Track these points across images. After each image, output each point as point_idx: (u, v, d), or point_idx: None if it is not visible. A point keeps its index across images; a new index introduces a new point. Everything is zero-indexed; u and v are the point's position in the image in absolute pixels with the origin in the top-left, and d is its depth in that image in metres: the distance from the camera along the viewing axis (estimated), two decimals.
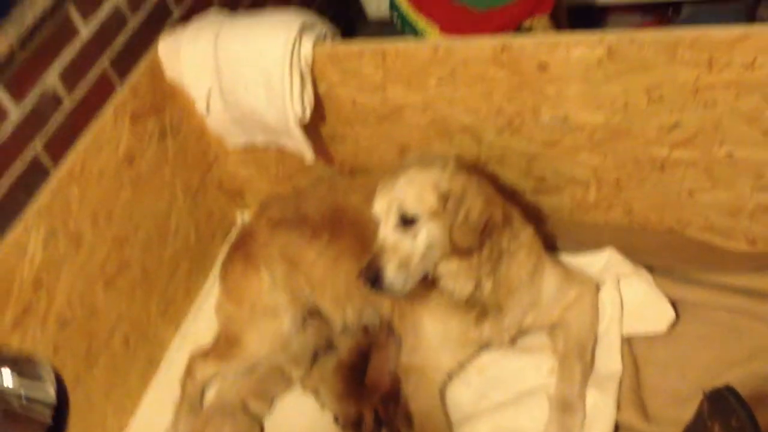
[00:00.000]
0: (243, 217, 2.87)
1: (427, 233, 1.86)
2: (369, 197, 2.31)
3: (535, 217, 2.31)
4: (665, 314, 2.08)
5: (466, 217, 1.86)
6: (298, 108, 2.30)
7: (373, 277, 1.84)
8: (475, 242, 1.89)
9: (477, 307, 2.05)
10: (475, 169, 2.05)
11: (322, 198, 2.44)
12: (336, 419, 2.24)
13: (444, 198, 1.85)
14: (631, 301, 2.13)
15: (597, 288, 2.17)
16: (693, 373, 1.98)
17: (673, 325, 2.08)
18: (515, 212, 2.07)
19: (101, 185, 2.32)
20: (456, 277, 1.97)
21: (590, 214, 2.34)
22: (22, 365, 0.92)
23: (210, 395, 2.45)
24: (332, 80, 2.35)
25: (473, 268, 1.96)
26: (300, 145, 2.39)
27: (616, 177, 2.19)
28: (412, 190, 1.86)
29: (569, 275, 2.17)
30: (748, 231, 2.15)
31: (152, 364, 2.55)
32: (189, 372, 2.43)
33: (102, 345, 2.33)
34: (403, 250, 1.85)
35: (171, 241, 2.60)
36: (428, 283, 1.96)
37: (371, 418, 2.15)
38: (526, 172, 2.31)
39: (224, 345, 2.41)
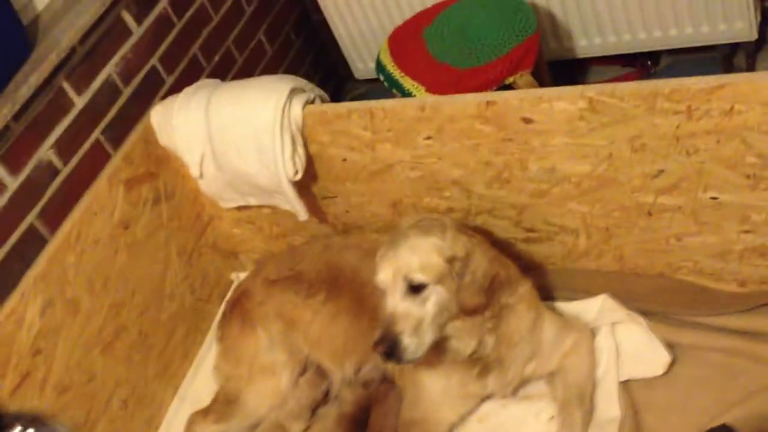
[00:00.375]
0: (238, 277, 2.88)
1: (435, 298, 1.87)
2: (364, 256, 2.35)
3: (526, 265, 2.34)
4: (661, 357, 2.09)
5: (473, 277, 1.89)
6: (289, 169, 2.34)
7: (389, 348, 1.84)
8: (482, 301, 1.91)
9: (479, 363, 2.06)
10: (471, 228, 2.09)
11: (317, 256, 2.46)
12: None
13: (450, 261, 1.88)
14: (627, 346, 2.15)
15: (593, 334, 2.19)
16: (692, 416, 1.98)
17: (670, 368, 2.09)
18: (513, 266, 2.10)
19: (97, 252, 2.34)
20: (460, 336, 1.98)
21: (581, 261, 2.37)
22: (41, 425, 0.94)
23: None
24: (322, 140, 2.41)
25: (477, 326, 1.97)
26: (293, 204, 2.43)
27: (605, 224, 2.23)
28: (416, 258, 1.87)
29: (565, 323, 2.19)
30: (737, 273, 2.18)
31: (151, 426, 2.54)
32: None
33: (101, 410, 2.33)
34: (415, 317, 1.86)
35: (167, 304, 2.62)
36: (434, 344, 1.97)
37: None
38: (516, 223, 2.35)
39: (223, 404, 2.41)
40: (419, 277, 1.86)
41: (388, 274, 1.89)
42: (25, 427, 0.90)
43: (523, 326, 2.07)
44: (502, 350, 2.06)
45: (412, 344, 1.85)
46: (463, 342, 1.99)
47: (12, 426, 0.88)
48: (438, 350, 2.01)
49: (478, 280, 1.90)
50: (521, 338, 2.07)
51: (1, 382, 2.02)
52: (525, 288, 2.11)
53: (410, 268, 1.86)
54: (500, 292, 1.99)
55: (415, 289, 1.86)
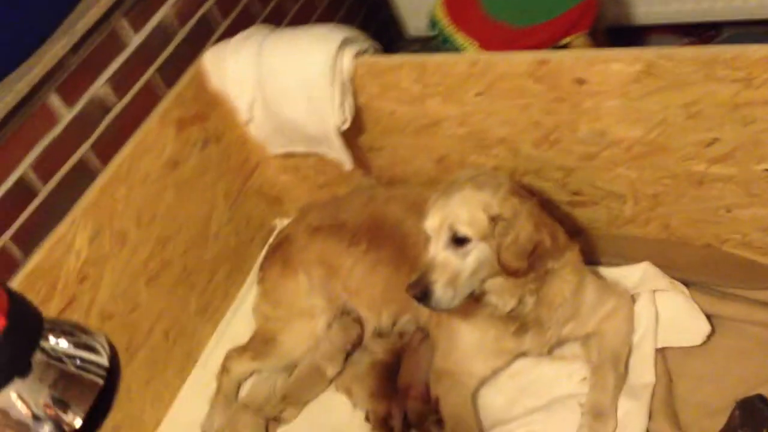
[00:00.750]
0: (282, 223, 2.92)
1: (477, 254, 1.89)
2: (408, 208, 2.36)
3: (570, 229, 2.33)
4: (700, 327, 2.08)
5: (515, 240, 1.89)
6: (338, 117, 2.35)
7: (421, 293, 1.88)
8: (523, 265, 1.91)
9: (517, 322, 2.07)
10: (527, 191, 2.08)
11: (361, 207, 2.48)
12: (367, 418, 2.27)
13: (495, 220, 1.88)
14: (667, 314, 2.14)
15: (633, 300, 2.18)
16: (727, 387, 1.97)
17: (708, 339, 2.08)
18: (560, 231, 2.09)
19: (146, 187, 2.39)
20: (500, 294, 2.00)
21: (627, 227, 2.35)
22: (78, 333, 0.97)
23: (245, 391, 2.50)
24: (372, 92, 2.41)
25: (518, 286, 1.99)
26: (339, 153, 2.44)
27: (653, 192, 2.20)
28: (465, 211, 1.88)
29: (606, 287, 2.19)
30: None
31: (190, 359, 2.61)
32: (225, 368, 2.48)
33: (142, 339, 2.40)
34: (453, 269, 1.88)
35: (212, 244, 2.67)
36: (470, 297, 1.98)
37: (400, 419, 2.18)
38: (562, 185, 2.33)
39: (260, 343, 2.46)
40: (464, 230, 1.87)
41: (435, 221, 1.92)
42: (57, 337, 0.93)
43: (566, 290, 2.07)
44: (542, 311, 2.06)
45: (445, 295, 1.88)
46: (502, 299, 2.01)
47: (46, 336, 0.91)
48: (476, 304, 2.03)
49: (520, 244, 1.90)
50: (563, 301, 2.08)
51: (48, 305, 2.10)
52: (572, 253, 2.10)
53: (457, 220, 1.88)
54: (544, 260, 1.99)
55: (459, 242, 1.88)
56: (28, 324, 0.89)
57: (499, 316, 2.05)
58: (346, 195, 2.67)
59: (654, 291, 2.19)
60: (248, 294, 2.76)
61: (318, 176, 2.80)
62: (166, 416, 2.52)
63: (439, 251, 1.90)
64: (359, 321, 2.47)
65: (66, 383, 0.91)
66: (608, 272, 2.30)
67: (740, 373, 2.01)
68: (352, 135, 2.48)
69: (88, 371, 0.93)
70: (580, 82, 2.05)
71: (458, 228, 1.87)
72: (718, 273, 2.19)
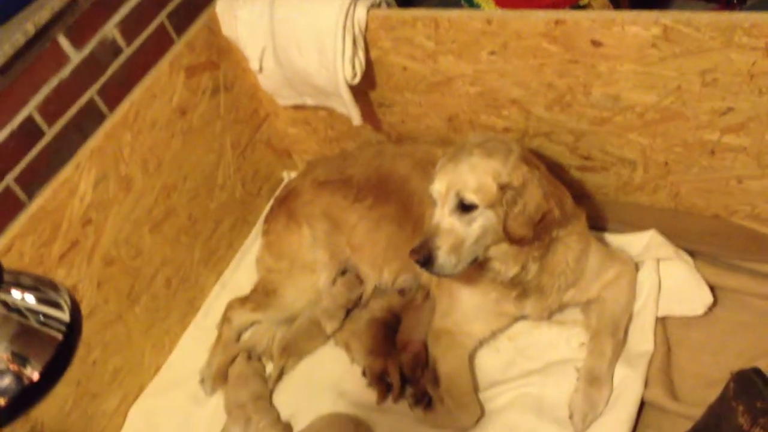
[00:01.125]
0: (289, 176, 2.91)
1: (482, 221, 1.87)
2: (415, 165, 2.34)
3: (577, 194, 2.31)
4: (703, 298, 2.07)
5: (523, 209, 1.87)
6: (348, 70, 2.32)
7: (425, 258, 1.87)
8: (529, 234, 1.89)
9: (519, 287, 2.07)
10: (537, 158, 2.05)
11: (368, 162, 2.46)
12: (364, 373, 2.29)
13: (503, 188, 1.86)
14: (669, 283, 2.13)
15: (636, 268, 2.17)
16: (725, 358, 1.97)
17: (710, 310, 2.07)
18: (568, 197, 2.07)
19: (153, 134, 2.38)
20: (504, 260, 1.98)
21: (635, 195, 2.33)
22: (41, 288, 0.97)
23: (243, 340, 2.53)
24: (384, 47, 2.37)
25: (522, 253, 1.97)
26: (349, 107, 2.41)
27: (664, 159, 2.17)
28: (473, 178, 1.86)
29: (610, 254, 2.18)
30: None
31: (192, 307, 2.63)
32: (226, 318, 2.50)
33: (145, 285, 2.41)
34: (457, 235, 1.87)
35: (217, 194, 2.67)
36: (474, 263, 1.97)
37: (397, 375, 2.19)
38: (572, 149, 2.30)
39: (262, 294, 2.47)
40: (471, 198, 1.85)
41: (442, 185, 1.89)
42: (19, 291, 0.93)
43: (570, 257, 2.06)
44: (544, 278, 2.06)
45: (448, 261, 1.86)
46: (505, 265, 1.99)
47: (7, 289, 0.91)
48: (479, 268, 2.02)
49: (528, 213, 1.88)
50: (566, 268, 2.07)
51: (51, 248, 2.11)
52: (578, 220, 2.08)
53: (465, 187, 1.85)
54: (550, 229, 1.97)
55: (465, 208, 1.86)
56: None
57: (501, 281, 2.04)
58: (354, 150, 2.65)
59: (658, 259, 2.17)
60: (252, 245, 2.77)
61: (327, 130, 2.78)
62: (166, 362, 2.56)
63: (444, 217, 1.88)
64: (361, 280, 2.47)
65: (25, 337, 0.92)
66: (614, 239, 2.29)
67: (740, 345, 2.00)
68: (362, 90, 2.45)
69: (49, 326, 0.94)
70: (596, 44, 2.01)
71: (465, 195, 1.85)
72: (725, 244, 2.17)
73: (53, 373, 0.92)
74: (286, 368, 2.41)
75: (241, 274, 2.72)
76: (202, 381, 2.46)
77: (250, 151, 2.79)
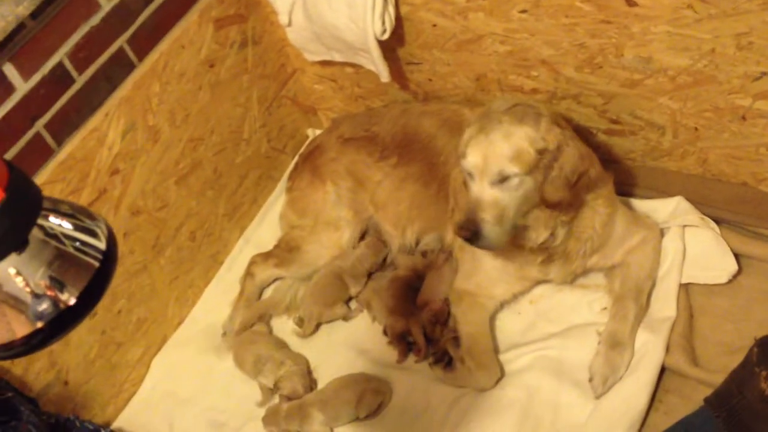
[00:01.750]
0: (314, 133, 2.91)
1: (523, 188, 1.85)
2: (442, 125, 2.33)
3: (605, 158, 2.29)
4: (727, 266, 2.06)
5: (560, 172, 1.85)
6: (378, 26, 2.30)
7: (472, 234, 1.84)
8: (567, 196, 1.88)
9: (546, 252, 2.06)
10: (563, 119, 2.04)
11: (394, 120, 2.45)
12: (385, 332, 2.30)
13: (541, 153, 1.84)
14: (695, 250, 2.12)
15: (661, 234, 2.16)
16: (748, 327, 1.96)
17: (734, 278, 2.06)
18: (596, 161, 2.05)
19: (181, 85, 2.39)
20: (536, 227, 1.97)
21: (663, 160, 2.30)
22: (79, 216, 0.97)
23: (265, 296, 2.55)
24: (415, 2, 2.34)
25: (552, 218, 1.95)
26: (377, 63, 2.40)
27: (694, 124, 2.14)
28: (508, 146, 1.83)
29: (636, 219, 2.16)
30: None
31: (215, 261, 2.66)
32: (249, 272, 2.52)
33: (170, 237, 2.43)
34: (500, 206, 1.84)
35: (243, 148, 2.67)
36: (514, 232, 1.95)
37: (421, 335, 2.20)
38: (601, 112, 2.27)
39: (285, 250, 2.49)
40: (510, 167, 1.82)
41: (477, 158, 1.85)
42: (57, 217, 0.94)
43: (597, 222, 2.05)
44: (570, 243, 2.05)
45: (494, 232, 1.84)
46: (536, 231, 1.98)
47: (45, 216, 0.92)
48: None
49: (565, 175, 1.86)
50: (593, 233, 2.05)
51: (79, 195, 2.13)
52: (605, 185, 2.07)
53: (502, 156, 1.82)
54: (586, 190, 1.96)
55: (504, 178, 1.83)
56: (28, 199, 0.90)
57: (530, 248, 2.02)
58: (380, 108, 2.64)
59: (684, 226, 2.16)
60: (277, 201, 2.78)
61: (354, 88, 2.77)
62: (189, 315, 2.59)
63: (484, 189, 1.84)
64: (385, 242, 2.47)
65: (63, 263, 0.92)
66: (640, 204, 2.27)
67: (763, 314, 1.99)
68: (391, 47, 2.43)
69: (86, 253, 0.94)
70: (631, 3, 1.98)
71: (504, 165, 1.82)
72: (752, 212, 2.15)
73: (89, 299, 0.93)
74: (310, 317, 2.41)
75: (264, 230, 2.74)
76: (224, 334, 2.49)
77: (276, 106, 2.79)
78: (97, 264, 0.94)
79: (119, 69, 2.23)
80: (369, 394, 2.11)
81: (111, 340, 2.32)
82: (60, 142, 2.12)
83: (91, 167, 2.15)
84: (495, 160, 1.83)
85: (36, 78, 2.02)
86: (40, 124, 2.07)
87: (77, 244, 0.94)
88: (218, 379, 2.40)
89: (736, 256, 2.08)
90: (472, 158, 1.86)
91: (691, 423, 1.69)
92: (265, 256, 2.53)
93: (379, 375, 2.22)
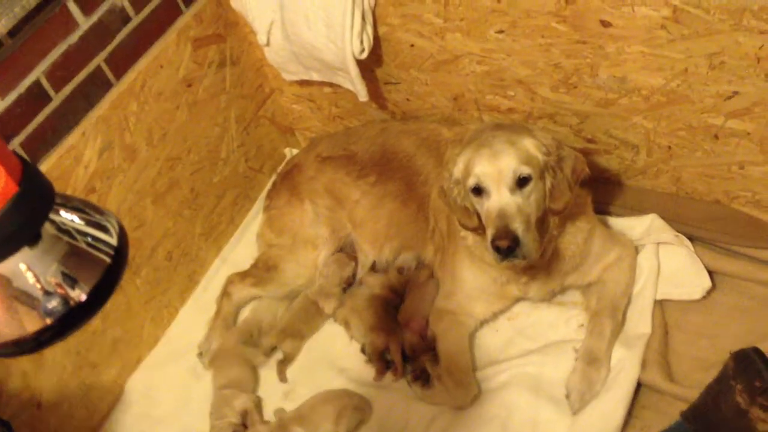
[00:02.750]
0: (291, 154, 2.91)
1: (536, 195, 1.85)
2: (421, 143, 2.35)
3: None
4: (701, 282, 2.09)
5: (563, 174, 1.88)
6: (356, 45, 2.32)
7: (511, 242, 1.79)
8: (571, 199, 1.90)
9: (529, 271, 2.07)
10: None
11: (372, 139, 2.47)
12: (362, 350, 2.30)
13: (546, 155, 1.87)
14: (669, 267, 2.14)
15: (636, 251, 2.18)
16: (722, 342, 1.98)
17: (708, 294, 2.09)
18: None
19: (159, 104, 2.38)
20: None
21: (637, 179, 2.34)
22: (90, 212, 0.96)
23: (243, 317, 2.53)
24: (393, 23, 2.37)
25: (542, 234, 1.95)
26: (355, 83, 2.41)
27: (668, 143, 2.18)
28: (516, 151, 1.84)
29: (612, 237, 2.19)
30: None
31: (192, 281, 2.64)
32: (226, 292, 2.51)
33: (146, 257, 2.42)
34: (524, 211, 1.83)
35: (221, 168, 2.67)
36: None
37: (399, 352, 2.20)
38: (577, 131, 2.31)
39: (262, 270, 2.48)
40: (526, 170, 1.82)
41: (490, 168, 1.83)
42: (69, 213, 0.92)
43: (579, 238, 2.07)
44: (553, 261, 2.07)
45: (528, 239, 1.81)
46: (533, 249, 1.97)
47: (57, 210, 0.90)
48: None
49: (567, 177, 1.89)
50: (576, 250, 2.07)
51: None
52: (585, 200, 2.10)
53: (518, 161, 1.82)
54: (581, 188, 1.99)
55: (521, 183, 1.83)
56: (40, 194, 0.88)
57: (517, 266, 2.02)
58: (358, 126, 2.65)
59: (658, 243, 2.19)
60: (254, 221, 2.78)
61: (331, 108, 2.78)
62: (165, 335, 2.57)
63: (504, 196, 1.83)
64: (354, 258, 2.47)
65: (74, 259, 0.91)
66: (615, 222, 2.30)
67: (737, 330, 2.01)
68: (369, 66, 2.46)
69: (97, 249, 0.93)
70: (605, 24, 2.01)
71: (521, 168, 1.82)
72: (725, 230, 2.18)
73: (100, 296, 0.91)
74: (289, 351, 2.38)
75: (241, 250, 2.73)
76: (200, 355, 2.47)
77: (254, 126, 2.79)
78: (108, 260, 0.92)
79: (96, 88, 2.23)
80: (349, 410, 2.11)
81: (86, 361, 2.29)
82: (36, 160, 2.10)
83: (67, 186, 2.14)
84: (508, 165, 1.82)
85: (12, 96, 2.01)
86: (16, 143, 2.05)
87: (89, 239, 0.93)
88: (194, 400, 2.37)
89: (710, 272, 2.11)
90: (484, 169, 1.84)
91: None
92: (242, 276, 2.52)
93: (358, 392, 2.21)
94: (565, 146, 1.94)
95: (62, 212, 0.92)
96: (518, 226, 1.80)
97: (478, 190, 1.86)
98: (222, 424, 2.17)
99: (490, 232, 1.82)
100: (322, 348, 2.39)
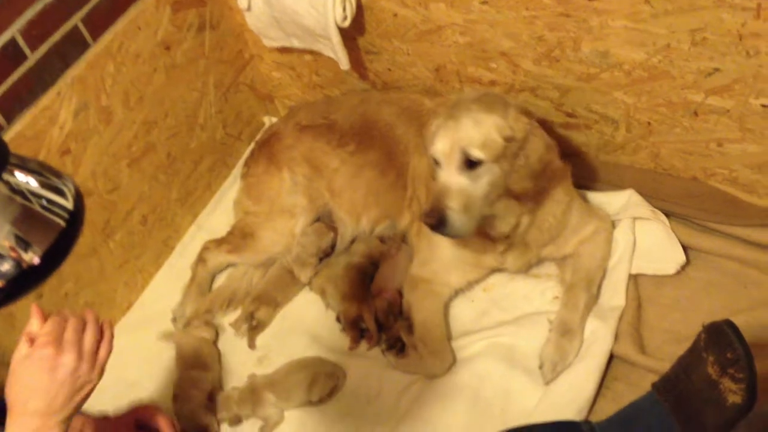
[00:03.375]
0: (270, 122, 2.89)
1: (490, 176, 1.84)
2: (401, 113, 2.33)
3: (560, 151, 2.32)
4: (676, 257, 2.10)
5: (526, 161, 1.86)
6: (339, 12, 2.29)
7: (438, 221, 1.82)
8: (530, 186, 1.89)
9: (507, 242, 2.08)
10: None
11: (353, 108, 2.45)
12: (338, 318, 2.30)
13: (508, 141, 1.84)
14: (645, 242, 2.16)
15: (613, 225, 2.20)
16: (694, 317, 2.00)
17: (682, 269, 2.11)
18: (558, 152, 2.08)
19: (136, 67, 2.34)
20: (504, 216, 1.98)
21: (616, 154, 2.34)
22: (46, 174, 0.94)
23: (218, 284, 2.51)
24: None
25: (519, 206, 1.97)
26: (337, 51, 2.38)
27: (647, 119, 2.18)
28: (477, 133, 1.83)
29: (589, 211, 2.20)
30: None
31: (167, 246, 2.62)
32: (201, 258, 2.50)
33: (120, 220, 2.39)
34: (467, 193, 1.83)
35: (198, 133, 2.64)
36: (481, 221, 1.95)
37: (372, 321, 2.20)
38: (557, 105, 2.30)
39: (239, 237, 2.46)
40: (478, 154, 1.81)
41: (445, 145, 1.84)
42: (24, 174, 0.91)
43: (557, 211, 2.08)
44: (532, 232, 2.07)
45: (460, 221, 1.83)
46: (504, 220, 1.99)
47: (11, 171, 0.88)
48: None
49: (531, 165, 1.87)
50: (553, 222, 2.08)
51: None
52: (564, 173, 2.10)
53: (470, 143, 1.82)
54: (550, 180, 1.98)
55: (471, 165, 1.82)
56: None
57: (493, 237, 2.04)
58: (338, 96, 2.64)
59: (635, 218, 2.20)
60: (231, 188, 2.76)
61: (312, 76, 2.75)
62: (138, 300, 2.55)
63: (451, 176, 1.84)
64: (334, 228, 2.46)
65: (28, 221, 0.89)
66: (593, 196, 2.32)
67: (709, 305, 2.04)
68: (351, 35, 2.43)
69: (52, 212, 0.91)
70: None
71: (472, 151, 1.81)
72: (701, 206, 2.20)
73: (53, 260, 0.90)
74: (263, 318, 2.38)
75: (217, 217, 2.71)
76: (174, 320, 2.45)
77: (233, 92, 2.76)
78: (63, 223, 0.91)
79: (73, 48, 2.18)
80: (322, 377, 2.11)
81: None
82: (10, 119, 2.06)
83: (41, 146, 2.10)
84: (462, 146, 1.82)
85: None
86: None
87: (44, 201, 0.91)
88: (167, 365, 2.36)
89: (685, 248, 2.13)
90: (440, 145, 1.86)
91: (639, 408, 1.71)
92: (218, 243, 2.50)
93: (333, 360, 2.21)
94: (539, 133, 1.90)
95: (17, 173, 0.91)
96: (454, 206, 1.82)
97: (436, 162, 1.88)
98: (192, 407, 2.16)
99: (425, 205, 1.86)
100: (297, 316, 2.39)
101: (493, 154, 1.83)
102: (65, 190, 0.94)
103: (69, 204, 0.93)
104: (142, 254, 2.52)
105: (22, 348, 1.23)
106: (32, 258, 0.88)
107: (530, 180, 1.88)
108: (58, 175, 0.96)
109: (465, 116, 1.86)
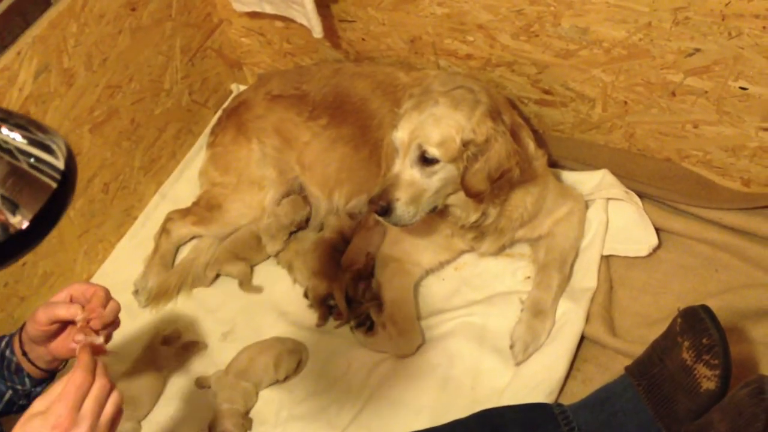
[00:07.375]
0: (238, 89, 2.81)
1: (443, 174, 1.83)
2: (376, 87, 2.27)
3: (534, 128, 2.30)
4: (648, 239, 2.09)
5: (484, 165, 1.82)
6: None
7: (383, 209, 1.84)
8: (486, 189, 1.86)
9: (477, 230, 2.05)
10: (508, 103, 2.05)
11: (326, 79, 2.38)
12: (305, 294, 2.25)
13: (465, 145, 1.81)
14: (617, 223, 2.14)
15: (587, 206, 2.17)
16: (666, 300, 2.00)
17: (655, 252, 2.10)
18: (531, 140, 2.05)
19: (100, 27, 2.25)
20: (464, 208, 1.96)
21: (591, 133, 2.32)
22: (34, 130, 0.86)
23: (182, 255, 2.45)
24: None
25: (476, 203, 1.94)
26: (310, 17, 2.31)
27: (624, 98, 2.16)
28: (437, 131, 1.80)
29: (563, 191, 2.17)
30: (745, 171, 2.14)
31: (129, 216, 2.54)
32: (165, 229, 2.42)
33: (81, 189, 2.30)
34: (417, 187, 1.83)
35: (163, 99, 2.55)
36: (433, 212, 1.95)
37: (343, 299, 2.15)
38: (534, 82, 2.27)
39: (204, 208, 2.40)
40: (433, 152, 1.80)
41: (405, 135, 1.83)
42: (10, 129, 0.82)
43: (528, 201, 2.05)
44: (502, 221, 2.04)
45: (406, 212, 1.84)
46: (465, 212, 1.97)
47: None
48: (438, 213, 1.98)
49: (488, 169, 1.83)
50: (524, 211, 2.06)
51: None
52: (540, 163, 2.06)
53: (428, 140, 1.80)
54: (507, 186, 1.95)
55: (426, 161, 1.81)
56: None
57: (461, 226, 2.02)
58: (311, 65, 2.56)
59: (608, 199, 2.18)
60: (196, 157, 2.67)
61: (283, 43, 2.67)
62: (99, 270, 2.47)
63: (405, 168, 1.83)
64: (308, 202, 2.40)
65: (15, 181, 0.81)
66: (566, 176, 2.29)
67: (680, 288, 2.04)
68: (324, 2, 2.36)
69: (41, 171, 0.83)
70: None
71: (428, 149, 1.80)
72: (674, 188, 2.19)
73: (43, 224, 0.82)
74: (232, 274, 2.34)
75: (182, 186, 2.63)
76: (136, 292, 2.38)
77: (200, 58, 2.67)
78: (54, 184, 0.82)
79: (34, 6, 2.08)
80: (285, 355, 2.07)
81: (14, 292, 2.19)
82: None
83: None
84: (420, 142, 1.81)
85: None
86: None
87: (32, 160, 0.82)
88: (127, 337, 2.28)
89: (657, 230, 2.12)
90: (400, 133, 1.85)
91: (612, 391, 1.70)
92: (183, 213, 2.43)
93: (299, 338, 2.16)
94: (503, 139, 1.84)
95: (3, 128, 0.82)
96: (401, 197, 1.83)
97: (395, 148, 1.87)
98: None
99: (375, 189, 1.88)
100: (265, 291, 2.33)
101: (449, 155, 1.81)
102: (55, 147, 0.85)
103: (60, 163, 0.84)
104: (103, 223, 2.43)
105: (38, 405, 1.13)
106: (20, 222, 0.80)
107: (486, 184, 1.85)
108: (46, 131, 0.87)
109: (429, 110, 1.83)
